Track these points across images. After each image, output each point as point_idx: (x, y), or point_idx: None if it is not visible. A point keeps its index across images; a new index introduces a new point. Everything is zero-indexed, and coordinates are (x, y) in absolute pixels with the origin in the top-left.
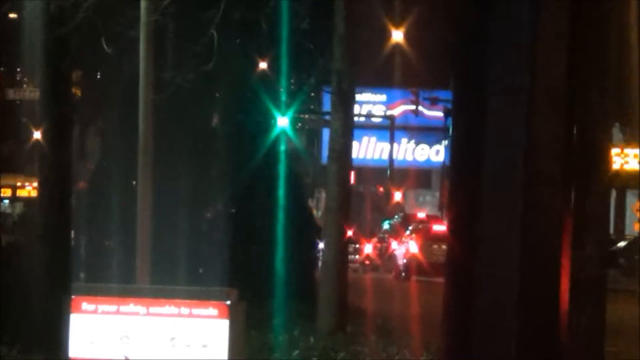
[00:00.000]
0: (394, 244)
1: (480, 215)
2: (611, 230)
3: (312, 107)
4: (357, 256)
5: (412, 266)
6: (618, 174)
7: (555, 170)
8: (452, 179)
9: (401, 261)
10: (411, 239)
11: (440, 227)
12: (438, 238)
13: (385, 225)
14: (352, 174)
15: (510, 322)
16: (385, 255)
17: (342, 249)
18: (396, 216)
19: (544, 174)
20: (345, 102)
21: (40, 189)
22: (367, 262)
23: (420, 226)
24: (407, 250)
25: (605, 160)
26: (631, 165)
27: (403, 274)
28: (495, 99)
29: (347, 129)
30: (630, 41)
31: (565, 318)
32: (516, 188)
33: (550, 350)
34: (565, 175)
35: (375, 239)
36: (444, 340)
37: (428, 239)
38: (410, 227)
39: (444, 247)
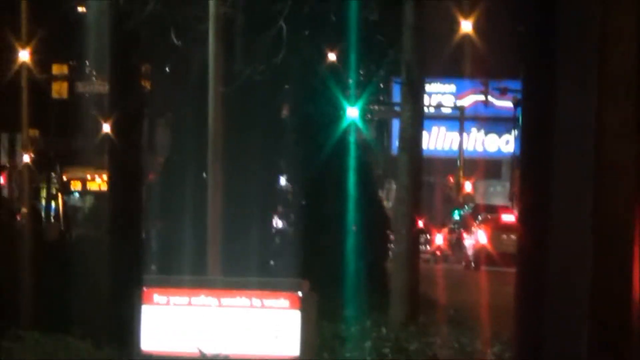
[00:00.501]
0: (464, 235)
1: (551, 205)
2: None
3: (381, 98)
4: (428, 247)
5: (482, 256)
6: None
7: (626, 159)
8: (522, 169)
9: (471, 251)
10: (480, 229)
11: (509, 217)
12: (507, 228)
13: (456, 216)
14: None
15: (583, 313)
16: (455, 245)
17: (413, 239)
18: (466, 206)
19: (614, 162)
20: (414, 93)
21: (111, 181)
22: (438, 252)
23: (489, 216)
24: (477, 240)
25: None
26: None
27: (473, 264)
28: (565, 87)
29: (416, 120)
30: None
31: (638, 306)
32: (586, 177)
33: (623, 345)
34: (637, 163)
35: (445, 230)
36: (515, 330)
37: (497, 229)
38: (479, 217)
39: (513, 237)
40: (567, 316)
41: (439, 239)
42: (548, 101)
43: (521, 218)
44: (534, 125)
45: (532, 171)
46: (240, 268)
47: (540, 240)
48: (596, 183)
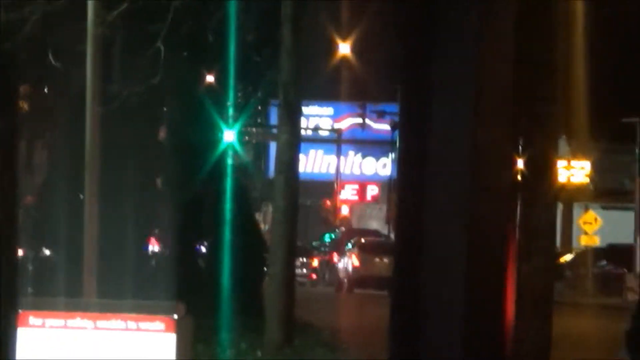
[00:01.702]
0: (334, 258)
1: (425, 226)
2: (558, 243)
3: (259, 120)
4: (304, 270)
5: (354, 279)
6: (564, 187)
7: (499, 182)
8: (398, 192)
9: (343, 274)
10: (353, 253)
11: (380, 241)
12: (379, 251)
13: (327, 239)
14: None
15: (457, 333)
16: (326, 268)
17: (289, 262)
18: (337, 230)
19: (488, 185)
20: (292, 115)
21: None
22: (313, 275)
23: (362, 240)
24: (349, 263)
25: (551, 172)
26: (577, 178)
27: (345, 286)
28: (441, 111)
29: (294, 142)
30: (576, 56)
31: (510, 329)
32: (461, 199)
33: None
34: (511, 186)
35: (317, 253)
36: (391, 352)
37: (369, 252)
38: (351, 241)
39: (385, 260)
40: (442, 333)
41: (315, 262)
42: (424, 124)
43: (397, 240)
44: (410, 147)
45: (408, 194)
46: (116, 289)
47: (414, 261)
48: (470, 204)
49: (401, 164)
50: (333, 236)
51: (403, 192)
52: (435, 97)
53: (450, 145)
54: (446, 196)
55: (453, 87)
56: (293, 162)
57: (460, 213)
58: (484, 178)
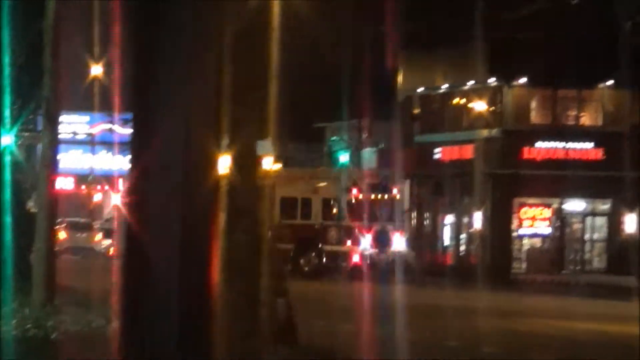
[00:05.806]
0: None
1: (151, 211)
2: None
3: (30, 127)
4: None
5: (62, 249)
6: (269, 174)
7: (207, 173)
8: (129, 182)
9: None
10: (61, 229)
11: (82, 221)
12: (80, 228)
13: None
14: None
15: (173, 298)
16: None
17: (50, 238)
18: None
19: (198, 175)
20: (52, 123)
21: None
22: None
23: (67, 220)
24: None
25: (252, 166)
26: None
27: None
28: (161, 118)
29: (54, 144)
30: (273, 76)
31: (216, 291)
32: (177, 188)
33: (206, 317)
34: (217, 178)
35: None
36: (123, 309)
37: (72, 228)
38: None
39: (84, 235)
40: (160, 296)
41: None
42: (150, 130)
43: (129, 222)
44: (140, 147)
45: (136, 182)
46: None
47: (141, 238)
48: (183, 191)
49: (133, 161)
50: None
51: (133, 181)
52: (158, 110)
53: (168, 144)
54: (164, 184)
55: (171, 104)
56: (53, 159)
57: (177, 199)
58: (195, 172)
